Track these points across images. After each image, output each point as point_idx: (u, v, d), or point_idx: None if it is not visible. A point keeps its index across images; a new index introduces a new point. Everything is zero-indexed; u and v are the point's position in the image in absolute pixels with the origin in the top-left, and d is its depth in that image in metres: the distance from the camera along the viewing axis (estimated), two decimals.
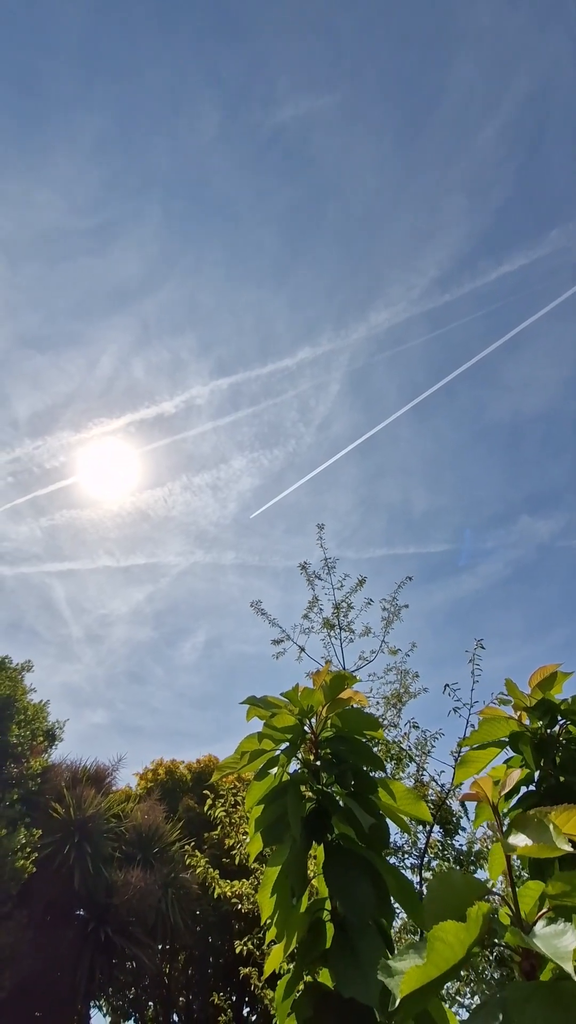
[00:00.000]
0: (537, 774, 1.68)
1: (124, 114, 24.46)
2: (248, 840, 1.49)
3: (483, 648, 6.86)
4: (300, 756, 1.63)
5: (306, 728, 1.61)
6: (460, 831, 6.25)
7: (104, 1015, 13.61)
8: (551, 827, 0.66)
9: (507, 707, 1.81)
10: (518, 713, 1.81)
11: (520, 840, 0.69)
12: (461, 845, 6.14)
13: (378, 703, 8.55)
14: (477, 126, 23.91)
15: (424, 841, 6.08)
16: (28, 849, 9.18)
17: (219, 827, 5.67)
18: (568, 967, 0.60)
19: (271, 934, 1.27)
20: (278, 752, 1.56)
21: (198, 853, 5.82)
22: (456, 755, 5.93)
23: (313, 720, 1.62)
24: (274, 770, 1.54)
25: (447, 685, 6.12)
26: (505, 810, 1.65)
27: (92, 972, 10.37)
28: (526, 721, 1.76)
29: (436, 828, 6.07)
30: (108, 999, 13.00)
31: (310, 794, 1.53)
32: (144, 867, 11.51)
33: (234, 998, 13.61)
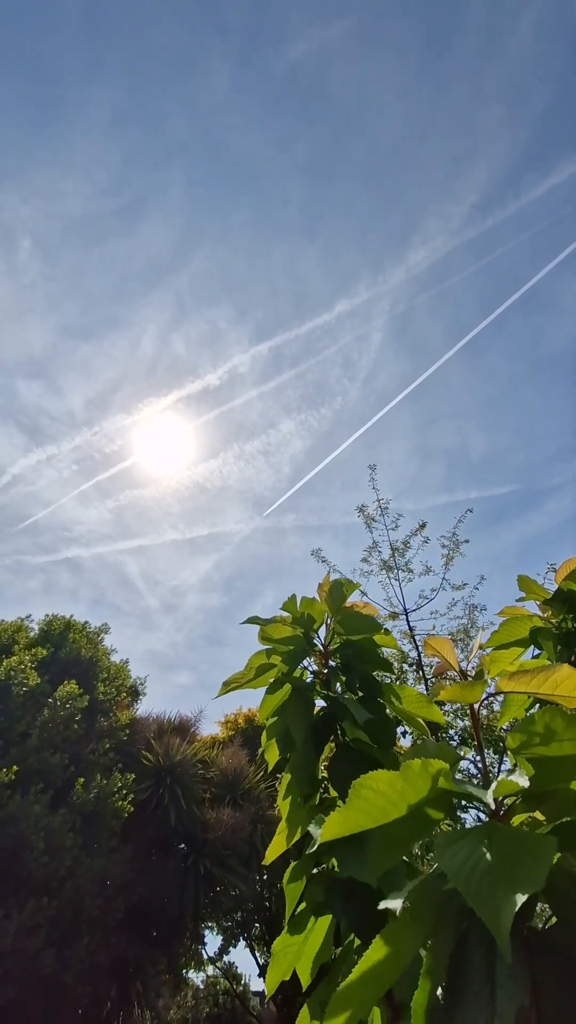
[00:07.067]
0: None
1: (135, 82, 23.64)
2: (265, 750, 1.51)
3: (555, 570, 6.60)
4: (314, 667, 1.62)
5: (315, 641, 1.59)
6: None
7: (215, 935, 15.07)
8: (486, 671, 0.60)
9: (532, 605, 1.71)
10: (546, 612, 1.71)
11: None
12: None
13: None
14: (511, 23, 21.20)
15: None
16: (125, 791, 10.02)
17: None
18: (488, 799, 0.55)
19: (280, 830, 1.28)
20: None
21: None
22: None
23: (322, 631, 1.60)
24: (284, 682, 1.54)
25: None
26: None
27: (197, 898, 11.34)
28: (553, 620, 1.66)
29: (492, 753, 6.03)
30: (218, 921, 14.29)
31: (323, 703, 1.52)
32: (233, 806, 12.32)
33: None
